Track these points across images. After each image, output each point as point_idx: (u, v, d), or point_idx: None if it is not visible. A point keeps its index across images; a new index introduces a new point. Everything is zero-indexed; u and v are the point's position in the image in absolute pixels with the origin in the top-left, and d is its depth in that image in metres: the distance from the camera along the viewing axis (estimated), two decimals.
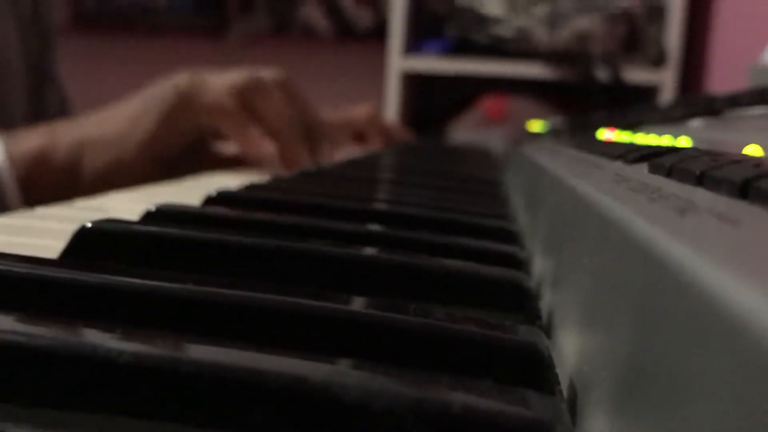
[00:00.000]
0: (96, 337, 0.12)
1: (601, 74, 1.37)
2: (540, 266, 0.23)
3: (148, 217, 0.24)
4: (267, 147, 0.55)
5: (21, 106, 0.67)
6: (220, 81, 0.55)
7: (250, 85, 0.55)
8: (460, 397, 0.11)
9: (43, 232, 0.24)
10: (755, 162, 0.14)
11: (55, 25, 0.78)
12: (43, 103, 0.72)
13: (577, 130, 0.50)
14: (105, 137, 0.54)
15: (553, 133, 0.58)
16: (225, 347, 0.12)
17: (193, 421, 0.11)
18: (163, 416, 0.11)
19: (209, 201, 0.29)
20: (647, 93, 1.38)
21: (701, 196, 0.13)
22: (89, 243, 0.20)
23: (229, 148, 0.62)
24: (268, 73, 0.57)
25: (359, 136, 0.85)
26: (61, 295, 0.15)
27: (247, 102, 0.55)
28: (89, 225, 0.20)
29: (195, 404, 0.11)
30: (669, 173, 0.17)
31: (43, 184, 0.52)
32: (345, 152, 0.71)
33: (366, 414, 0.10)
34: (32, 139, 0.53)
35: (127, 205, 0.31)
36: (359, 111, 0.86)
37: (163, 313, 0.14)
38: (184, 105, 0.54)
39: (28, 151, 0.52)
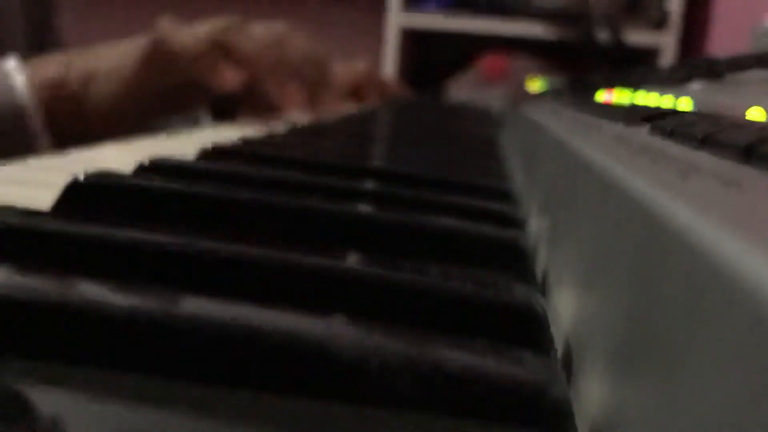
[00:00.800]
0: (88, 291, 0.12)
1: (602, 35, 1.36)
2: (536, 226, 0.23)
3: (141, 170, 0.24)
4: (237, 78, 0.55)
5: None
6: (194, 28, 0.56)
7: (226, 25, 0.56)
8: (454, 356, 0.11)
9: (35, 183, 0.24)
10: (759, 126, 0.14)
11: None
12: None
13: (577, 91, 0.50)
14: (109, 71, 0.55)
15: (552, 93, 0.58)
16: (220, 303, 0.12)
17: (186, 376, 0.11)
18: (156, 371, 0.11)
19: (203, 155, 0.29)
20: (648, 55, 1.37)
21: (703, 159, 0.13)
22: (81, 195, 0.20)
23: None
24: (223, 23, 0.58)
25: (355, 93, 0.84)
26: (51, 247, 0.15)
27: (223, 42, 0.56)
28: (81, 177, 0.20)
29: (189, 359, 0.11)
30: (671, 135, 0.16)
31: (58, 111, 0.53)
32: (341, 108, 0.70)
33: (360, 371, 0.10)
34: (50, 67, 0.54)
35: (121, 156, 0.31)
36: (356, 67, 0.85)
37: (156, 267, 0.14)
38: (156, 52, 0.55)
39: (46, 79, 0.53)
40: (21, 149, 0.49)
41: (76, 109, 0.54)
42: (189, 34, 0.55)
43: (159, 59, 0.55)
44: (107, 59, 0.56)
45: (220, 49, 0.55)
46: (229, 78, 0.55)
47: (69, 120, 0.54)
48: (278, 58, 0.57)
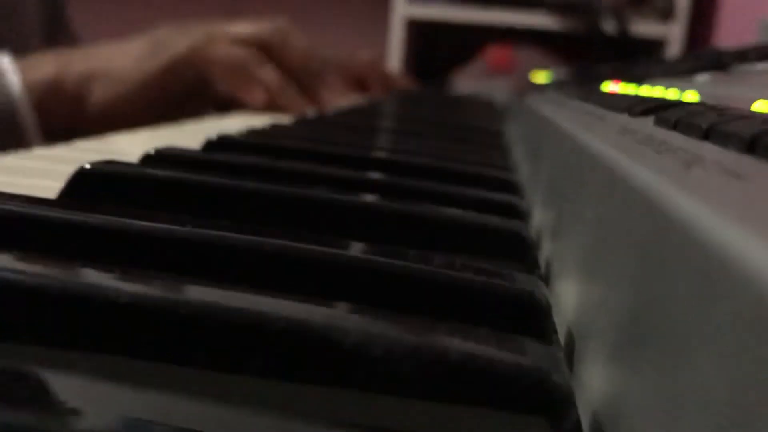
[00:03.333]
0: (94, 278, 0.12)
1: (608, 26, 1.35)
2: (540, 217, 0.23)
3: (147, 159, 0.24)
4: (264, 99, 0.57)
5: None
6: (229, 36, 0.56)
7: (256, 42, 0.57)
8: (457, 344, 0.11)
9: (42, 173, 0.24)
10: (763, 118, 0.14)
11: None
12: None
13: (582, 82, 0.50)
14: (110, 72, 0.55)
15: (557, 85, 0.57)
16: (224, 290, 0.12)
17: (191, 362, 0.11)
18: (161, 357, 0.11)
19: (209, 145, 0.29)
20: (654, 46, 1.36)
21: (708, 150, 0.13)
22: (87, 184, 0.20)
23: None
24: (270, 27, 0.59)
25: (360, 83, 0.84)
26: (58, 235, 0.15)
27: (268, 49, 0.57)
28: (88, 166, 0.20)
29: (194, 346, 0.11)
30: (675, 126, 0.16)
31: (55, 111, 0.53)
32: (346, 99, 0.70)
33: (364, 358, 0.10)
34: (46, 66, 0.54)
35: (128, 147, 0.31)
36: (361, 58, 0.85)
37: (162, 254, 0.14)
38: (194, 57, 0.55)
39: (42, 78, 0.53)
40: (12, 148, 0.49)
41: (75, 109, 0.54)
42: (222, 47, 0.55)
43: (196, 61, 0.55)
44: (110, 59, 0.56)
45: (264, 54, 0.56)
46: (258, 98, 0.56)
47: (66, 119, 0.53)
48: (290, 81, 0.58)
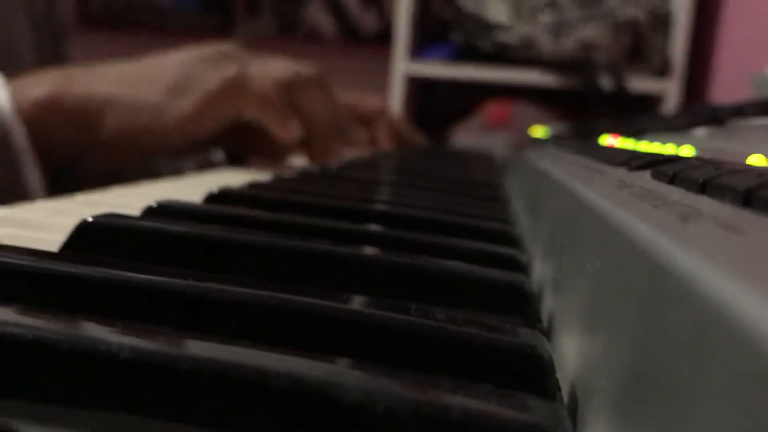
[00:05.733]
0: (96, 332, 0.12)
1: (605, 83, 1.37)
2: (541, 270, 0.23)
3: (149, 212, 0.24)
4: (299, 133, 0.56)
5: None
6: (265, 73, 0.55)
7: (294, 78, 0.56)
8: (460, 401, 0.11)
9: (43, 225, 0.24)
10: (759, 171, 0.14)
11: (68, 23, 0.78)
12: None
13: (579, 137, 0.50)
14: (138, 101, 0.51)
15: (555, 139, 0.58)
16: (224, 345, 0.12)
17: (190, 419, 0.11)
18: (160, 413, 0.11)
19: (210, 198, 0.29)
20: (651, 102, 1.38)
21: (704, 203, 0.13)
22: (90, 237, 0.20)
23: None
24: (305, 69, 0.58)
25: (367, 124, 0.85)
26: (60, 288, 0.15)
27: (290, 95, 0.56)
28: (90, 219, 0.20)
29: (193, 402, 0.11)
30: (672, 181, 0.17)
31: (54, 131, 0.49)
32: (354, 148, 0.71)
33: (366, 416, 0.10)
34: (42, 84, 0.50)
35: (129, 200, 0.31)
36: (370, 101, 0.86)
37: (163, 308, 0.14)
38: (228, 93, 0.52)
39: (37, 96, 0.49)
40: (5, 167, 0.46)
41: (80, 132, 0.50)
42: (258, 81, 0.53)
43: (230, 97, 0.52)
44: (125, 83, 0.52)
45: (288, 103, 0.55)
46: (294, 131, 0.55)
47: (70, 141, 0.50)
48: (328, 116, 0.58)
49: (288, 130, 0.55)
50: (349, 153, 0.67)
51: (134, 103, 0.51)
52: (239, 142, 0.62)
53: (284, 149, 0.60)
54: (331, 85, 0.62)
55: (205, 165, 0.67)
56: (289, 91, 0.56)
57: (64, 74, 0.52)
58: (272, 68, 0.56)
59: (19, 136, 0.47)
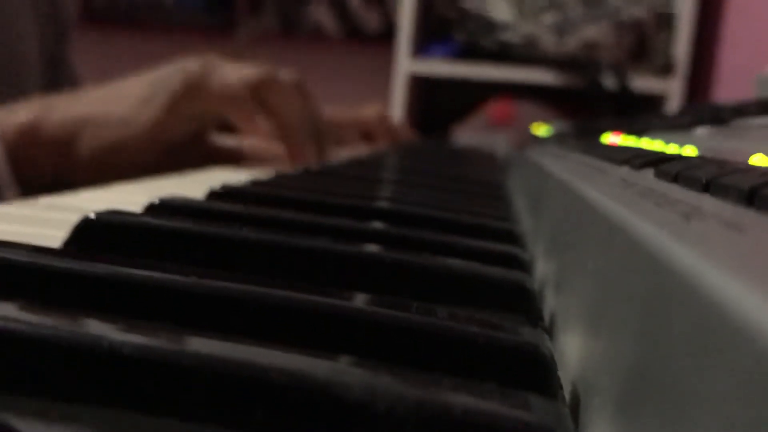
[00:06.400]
0: (98, 328, 0.12)
1: (608, 82, 1.37)
2: (543, 268, 0.23)
3: (151, 209, 0.24)
4: (275, 144, 0.55)
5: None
6: (233, 70, 0.54)
7: (264, 78, 0.55)
8: (461, 400, 0.11)
9: (45, 222, 0.24)
10: (762, 170, 0.14)
11: (72, 20, 0.78)
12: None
13: (582, 135, 0.50)
14: (108, 117, 0.52)
15: (558, 138, 0.58)
16: (227, 342, 0.12)
17: (193, 415, 0.11)
18: (162, 410, 0.11)
19: (213, 195, 0.29)
20: (654, 101, 1.38)
21: (707, 202, 0.13)
22: (92, 234, 0.20)
23: (230, 141, 0.62)
24: (282, 72, 0.57)
25: (367, 136, 0.86)
26: (63, 285, 0.15)
27: (260, 95, 0.55)
28: (92, 216, 0.20)
29: (196, 398, 0.11)
30: (675, 179, 0.17)
31: (35, 158, 0.50)
32: (352, 151, 0.71)
33: (367, 414, 0.10)
34: (24, 112, 0.51)
35: (131, 196, 0.31)
36: (368, 111, 0.87)
37: (166, 305, 0.14)
38: (192, 91, 0.52)
39: (18, 124, 0.50)
40: None
41: (60, 157, 0.51)
42: (224, 77, 0.53)
43: (195, 94, 0.52)
44: (103, 102, 0.53)
45: (257, 103, 0.54)
46: (259, 127, 0.54)
47: (51, 169, 0.51)
48: (303, 118, 0.57)
49: (252, 125, 0.54)
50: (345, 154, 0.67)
51: (105, 118, 0.52)
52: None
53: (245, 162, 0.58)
54: (331, 89, 0.61)
55: None
56: (258, 91, 0.55)
57: (45, 102, 0.53)
58: (245, 71, 0.55)
59: (1, 164, 0.47)
